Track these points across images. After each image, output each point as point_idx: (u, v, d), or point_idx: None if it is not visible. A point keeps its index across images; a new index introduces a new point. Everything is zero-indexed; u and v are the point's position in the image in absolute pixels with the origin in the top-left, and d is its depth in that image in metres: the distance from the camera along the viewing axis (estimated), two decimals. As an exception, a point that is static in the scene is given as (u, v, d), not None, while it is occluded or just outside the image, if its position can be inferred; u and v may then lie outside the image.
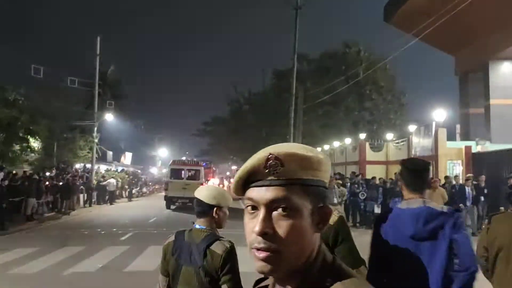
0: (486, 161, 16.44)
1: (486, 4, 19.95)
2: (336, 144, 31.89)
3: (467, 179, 12.88)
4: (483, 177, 12.92)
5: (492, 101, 23.38)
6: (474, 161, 17.39)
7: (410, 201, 2.59)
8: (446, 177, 15.20)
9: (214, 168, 48.33)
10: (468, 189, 12.21)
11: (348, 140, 29.53)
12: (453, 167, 18.35)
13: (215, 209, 2.49)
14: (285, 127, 27.40)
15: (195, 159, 29.30)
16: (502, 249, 3.19)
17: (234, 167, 56.71)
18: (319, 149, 36.53)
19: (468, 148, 18.27)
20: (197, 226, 2.53)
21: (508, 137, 20.67)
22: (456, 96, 28.36)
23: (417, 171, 2.66)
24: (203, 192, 2.55)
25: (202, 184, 20.89)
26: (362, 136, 27.91)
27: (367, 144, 26.88)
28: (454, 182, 12.84)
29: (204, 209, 2.50)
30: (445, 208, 2.57)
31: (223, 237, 2.48)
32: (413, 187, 2.62)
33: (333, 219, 2.32)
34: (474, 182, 12.66)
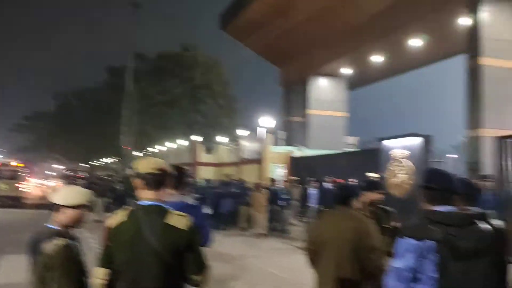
0: (304, 164, 18.37)
1: (307, 26, 22.35)
2: (170, 145, 31.85)
3: (287, 181, 14.20)
4: (294, 178, 14.41)
5: (309, 111, 26.28)
6: (294, 165, 19.28)
7: (173, 197, 3.07)
8: (271, 179, 16.64)
9: (35, 168, 43.44)
10: (288, 191, 13.50)
11: (181, 142, 29.77)
12: (276, 170, 20.06)
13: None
14: (118, 126, 26.18)
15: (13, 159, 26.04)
16: (324, 243, 3.60)
17: (60, 167, 51.81)
18: (153, 149, 36.03)
19: (289, 153, 20.20)
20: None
21: (322, 144, 23.54)
22: (281, 105, 31.05)
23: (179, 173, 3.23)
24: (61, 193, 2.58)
25: (20, 183, 19.46)
26: (195, 138, 28.45)
27: (200, 146, 27.50)
28: (277, 184, 14.03)
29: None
30: (194, 202, 3.39)
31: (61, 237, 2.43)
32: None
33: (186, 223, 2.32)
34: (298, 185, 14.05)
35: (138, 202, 2.33)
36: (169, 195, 3.06)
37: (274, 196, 12.56)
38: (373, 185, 4.42)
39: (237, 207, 13.45)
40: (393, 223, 4.44)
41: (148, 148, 37.05)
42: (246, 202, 13.17)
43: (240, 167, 22.69)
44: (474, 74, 13.80)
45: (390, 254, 4.25)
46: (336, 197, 3.77)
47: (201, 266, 2.31)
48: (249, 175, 18.75)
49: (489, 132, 12.54)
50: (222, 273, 7.72)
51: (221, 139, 29.19)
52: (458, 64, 16.99)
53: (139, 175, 2.34)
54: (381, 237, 4.11)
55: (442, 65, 26.29)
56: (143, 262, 2.20)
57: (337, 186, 4.11)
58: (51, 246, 2.36)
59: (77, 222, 2.57)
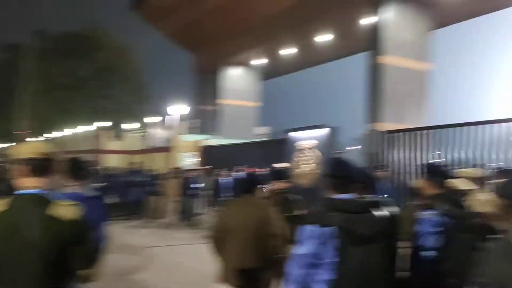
0: (215, 153, 18.37)
1: (219, 14, 22.25)
2: (73, 130, 29.98)
3: (200, 170, 14.05)
4: (206, 167, 14.39)
5: (222, 101, 26.32)
6: (206, 153, 19.20)
7: (70, 188, 3.09)
8: (183, 168, 16.44)
9: None
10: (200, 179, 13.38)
11: (87, 127, 28.17)
12: (187, 158, 19.83)
13: None
14: (12, 108, 24.03)
15: None
16: (228, 231, 3.63)
17: None
18: (54, 135, 33.61)
19: (201, 141, 20.06)
20: None
21: (234, 133, 23.74)
22: (194, 93, 30.68)
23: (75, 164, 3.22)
24: None
25: None
26: (102, 124, 27.10)
27: (107, 133, 26.27)
28: (189, 173, 13.84)
29: None
30: (94, 193, 3.41)
31: None
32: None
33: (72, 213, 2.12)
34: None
35: (18, 191, 2.07)
36: (64, 186, 2.88)
37: (186, 185, 12.39)
38: (280, 174, 4.54)
39: (145, 196, 13.07)
40: (298, 211, 4.61)
41: (49, 133, 34.58)
42: (155, 191, 12.85)
43: (149, 155, 22.09)
44: (375, 72, 14.77)
45: (294, 242, 4.44)
46: (241, 186, 3.83)
47: (89, 261, 2.15)
48: (159, 163, 18.32)
49: (387, 126, 13.54)
50: (128, 264, 7.48)
51: (130, 125, 28.13)
52: (363, 61, 18.05)
53: (19, 161, 2.07)
54: (284, 224, 4.24)
55: (348, 60, 27.77)
56: (20, 258, 1.97)
57: (244, 175, 4.19)
58: None
59: None
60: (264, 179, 4.03)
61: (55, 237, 2.00)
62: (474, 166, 8.40)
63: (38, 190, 2.06)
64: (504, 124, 8.06)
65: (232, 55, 25.48)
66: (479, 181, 4.46)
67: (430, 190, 3.14)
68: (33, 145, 2.15)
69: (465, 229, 2.93)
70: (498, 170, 5.16)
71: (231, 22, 22.53)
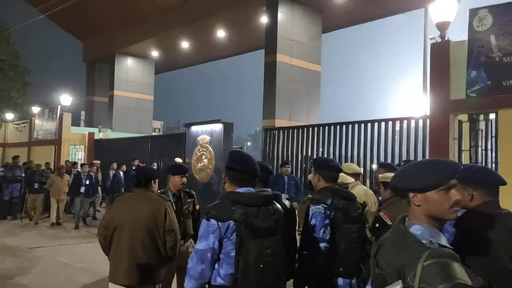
0: (107, 147, 17.52)
1: (110, 1, 21.17)
2: None
3: (89, 164, 13.24)
4: (98, 162, 13.66)
5: (115, 92, 25.11)
6: (97, 147, 18.22)
7: None
8: (67, 161, 15.41)
9: None
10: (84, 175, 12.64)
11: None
12: (76, 152, 18.60)
13: None
14: None
15: None
16: (117, 227, 3.50)
17: None
18: None
19: (91, 134, 18.96)
20: None
21: (126, 126, 22.82)
22: (83, 82, 28.81)
23: None
24: None
25: None
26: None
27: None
28: (78, 168, 12.99)
29: None
30: None
31: None
32: None
33: None
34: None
35: None
36: None
37: (75, 181, 11.59)
38: (178, 169, 4.49)
39: (26, 194, 11.98)
40: (195, 206, 4.62)
41: None
42: (37, 188, 11.80)
43: (31, 148, 20.28)
44: (269, 69, 15.26)
45: (190, 236, 4.43)
46: (134, 180, 3.71)
47: None
48: (43, 158, 16.89)
49: (281, 123, 14.12)
50: (7, 267, 6.86)
51: (9, 116, 25.50)
52: (260, 58, 18.54)
53: None
54: (181, 219, 4.20)
55: (246, 57, 28.27)
56: None
57: (136, 169, 4.04)
58: None
59: None
60: (156, 173, 3.92)
61: None
62: (356, 161, 9.19)
63: None
64: (388, 123, 8.86)
65: (126, 44, 24.38)
66: (358, 175, 4.88)
67: (320, 184, 3.32)
68: None
69: (349, 220, 3.17)
70: (379, 164, 5.67)
71: (124, 9, 21.54)
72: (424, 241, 1.48)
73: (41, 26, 32.31)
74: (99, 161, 13.96)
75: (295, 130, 11.22)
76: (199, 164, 10.50)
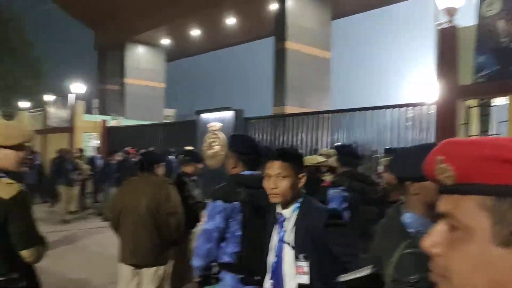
0: (120, 134, 17.76)
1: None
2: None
3: (103, 152, 13.48)
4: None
5: (127, 80, 25.33)
6: (109, 135, 18.47)
7: None
8: (81, 149, 15.65)
9: None
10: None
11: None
12: (89, 140, 18.89)
13: None
14: None
15: None
16: (122, 210, 3.63)
17: None
18: None
19: (104, 122, 19.21)
20: None
21: (138, 114, 23.06)
22: (95, 70, 29.09)
23: None
24: None
25: None
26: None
27: (-3, 112, 23.95)
28: (92, 154, 13.22)
29: None
30: None
31: None
32: None
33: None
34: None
35: None
36: None
37: (93, 168, 11.77)
38: (194, 156, 4.64)
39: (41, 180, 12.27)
40: (195, 193, 4.69)
41: None
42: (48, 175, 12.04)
43: (46, 136, 20.64)
44: (280, 56, 15.29)
45: (195, 220, 4.54)
46: (139, 164, 3.80)
47: (28, 241, 2.07)
48: (58, 145, 17.21)
49: (291, 109, 14.17)
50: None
51: (23, 104, 25.91)
52: (269, 45, 18.52)
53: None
54: (184, 203, 4.24)
55: (257, 44, 28.25)
56: None
57: (142, 154, 4.13)
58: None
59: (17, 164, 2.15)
60: (161, 157, 4.02)
61: None
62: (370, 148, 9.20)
63: None
64: (401, 109, 8.83)
65: (138, 32, 24.53)
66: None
67: (340, 168, 3.38)
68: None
69: (368, 202, 3.15)
70: (385, 150, 5.72)
71: (136, -2, 21.65)
72: (411, 230, 1.41)
73: (53, 14, 32.55)
74: (112, 149, 14.13)
75: (307, 116, 11.24)
76: (211, 151, 10.65)
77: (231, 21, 20.07)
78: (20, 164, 2.16)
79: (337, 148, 3.50)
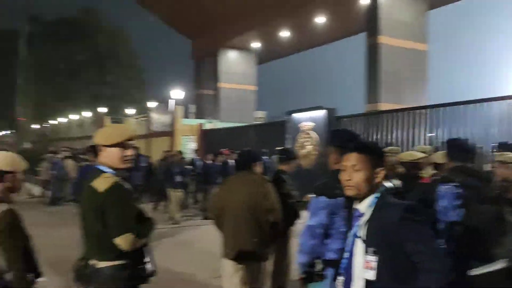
0: (215, 137, 18.50)
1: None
2: (74, 117, 29.99)
3: (201, 154, 14.11)
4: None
5: (220, 85, 26.32)
6: (206, 137, 19.33)
7: None
8: (180, 152, 16.56)
9: None
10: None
11: (86, 114, 28.18)
12: (187, 142, 19.96)
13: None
14: (10, 96, 23.96)
15: None
16: (222, 208, 3.76)
17: None
18: (54, 121, 33.58)
19: (200, 125, 20.17)
20: None
21: (232, 116, 23.82)
22: (192, 77, 30.67)
23: None
24: None
25: None
26: (102, 109, 27.11)
27: (108, 118, 26.32)
28: (191, 156, 13.91)
29: None
30: None
31: None
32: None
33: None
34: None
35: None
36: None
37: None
38: (289, 154, 4.71)
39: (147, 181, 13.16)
40: (291, 191, 4.69)
41: (49, 120, 34.50)
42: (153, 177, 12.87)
43: (149, 140, 22.17)
44: (372, 52, 14.82)
45: (295, 217, 4.54)
46: (237, 163, 3.89)
47: (119, 229, 2.22)
48: (161, 148, 18.43)
49: (386, 106, 13.67)
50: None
51: (129, 111, 28.16)
52: (359, 42, 18.06)
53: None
54: (282, 200, 4.23)
55: (343, 42, 27.71)
56: (82, 222, 2.36)
57: (239, 153, 4.22)
58: None
59: (15, 188, 2.42)
60: (258, 156, 4.07)
61: (91, 206, 2.28)
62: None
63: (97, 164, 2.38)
64: (509, 101, 8.09)
65: (230, 38, 25.39)
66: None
67: (448, 164, 3.17)
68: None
69: (484, 200, 2.85)
70: (497, 144, 5.28)
71: (229, 6, 22.41)
72: None
73: (155, 27, 34.87)
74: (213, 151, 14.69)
75: (403, 113, 10.76)
76: (304, 150, 10.66)
77: (320, 20, 19.91)
78: (123, 161, 2.34)
79: (449, 142, 3.28)
